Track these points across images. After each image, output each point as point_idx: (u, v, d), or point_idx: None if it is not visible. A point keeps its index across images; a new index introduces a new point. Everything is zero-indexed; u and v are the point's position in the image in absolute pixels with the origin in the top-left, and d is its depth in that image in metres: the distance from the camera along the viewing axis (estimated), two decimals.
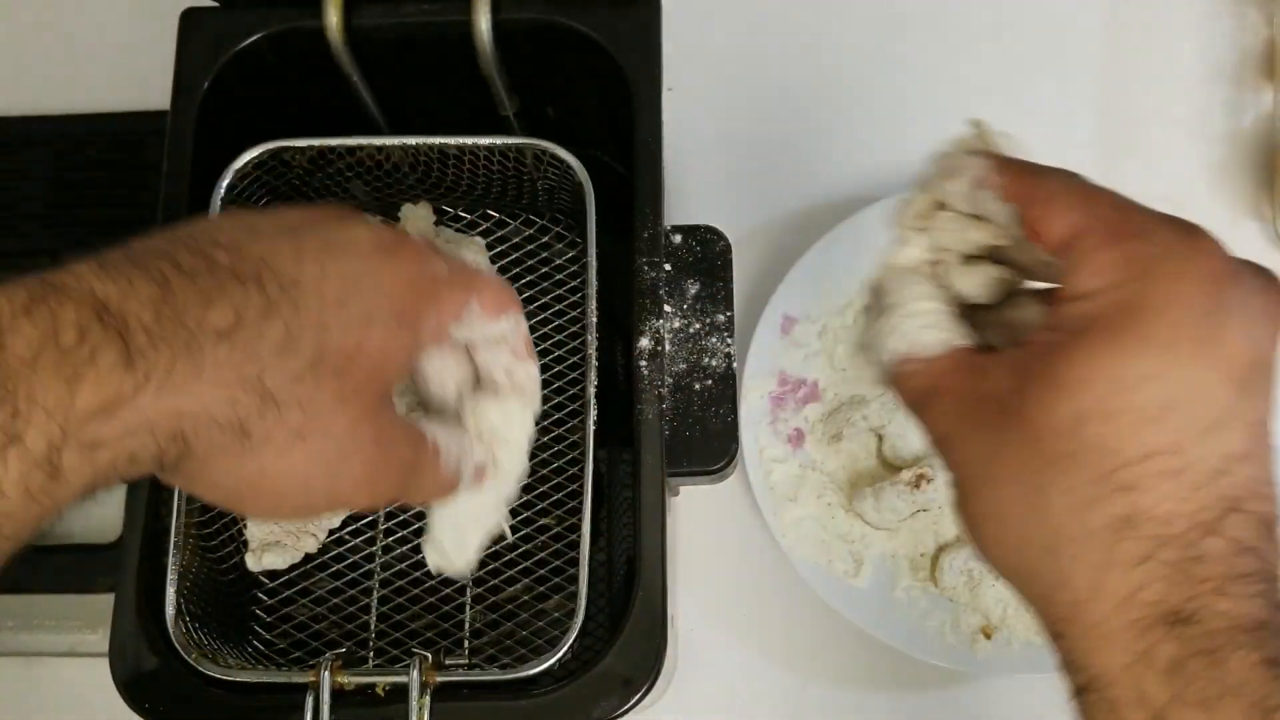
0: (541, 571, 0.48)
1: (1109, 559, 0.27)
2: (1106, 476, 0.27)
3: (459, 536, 0.39)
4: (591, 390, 0.43)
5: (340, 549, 0.49)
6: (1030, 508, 0.28)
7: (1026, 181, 0.32)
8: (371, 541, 0.49)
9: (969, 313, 0.34)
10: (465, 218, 0.54)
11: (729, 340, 0.45)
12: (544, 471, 0.49)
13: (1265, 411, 0.28)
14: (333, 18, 0.47)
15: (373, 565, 0.49)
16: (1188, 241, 0.28)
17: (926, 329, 0.33)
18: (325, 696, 0.39)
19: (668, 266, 0.45)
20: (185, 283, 0.29)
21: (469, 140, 0.47)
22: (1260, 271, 0.29)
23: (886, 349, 0.33)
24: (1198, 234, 0.28)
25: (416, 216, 0.52)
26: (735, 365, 0.45)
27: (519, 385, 0.38)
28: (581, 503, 0.42)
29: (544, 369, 0.50)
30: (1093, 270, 0.28)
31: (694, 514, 0.58)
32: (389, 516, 0.50)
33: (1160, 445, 0.27)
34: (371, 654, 0.47)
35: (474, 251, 0.51)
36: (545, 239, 0.53)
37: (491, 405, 0.37)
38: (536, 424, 0.39)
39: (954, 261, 0.34)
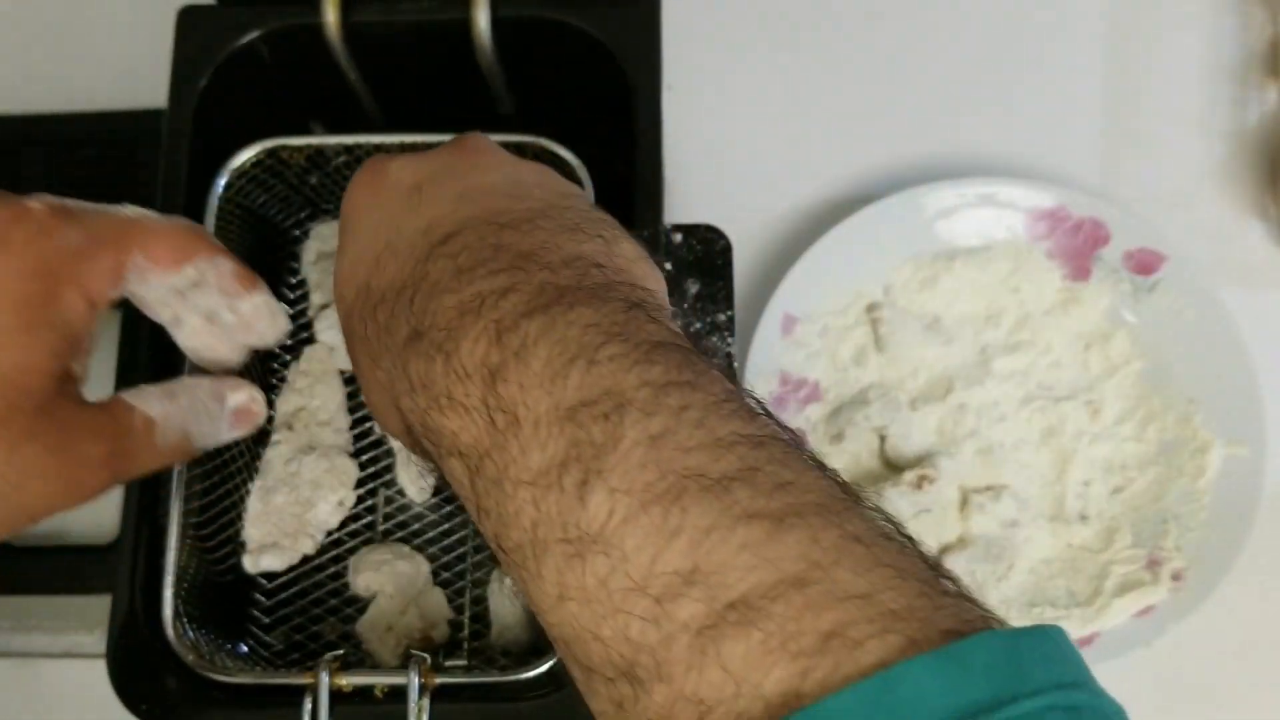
0: None
1: (382, 343, 0.31)
2: (364, 302, 0.32)
3: None
4: None
5: (338, 550, 0.49)
6: (368, 371, 0.32)
7: None
8: (370, 542, 0.49)
9: None
10: None
11: (730, 340, 0.45)
12: None
13: (470, 184, 0.32)
14: (330, 15, 0.47)
15: None
16: (361, 170, 0.35)
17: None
18: (323, 698, 0.39)
19: (668, 265, 0.45)
20: None
21: None
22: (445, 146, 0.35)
23: None
24: (368, 161, 0.35)
25: None
26: (736, 365, 0.45)
27: (249, 321, 0.38)
28: None
29: None
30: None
31: None
32: (387, 518, 0.49)
33: (376, 252, 0.32)
34: (370, 655, 0.47)
35: None
36: None
37: (215, 340, 0.38)
38: None
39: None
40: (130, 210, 0.35)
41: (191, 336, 0.38)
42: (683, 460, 0.24)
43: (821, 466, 0.26)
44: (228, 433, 0.39)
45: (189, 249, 0.35)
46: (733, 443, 0.24)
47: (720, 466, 0.24)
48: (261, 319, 0.39)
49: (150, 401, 0.35)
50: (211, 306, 0.37)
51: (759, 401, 0.27)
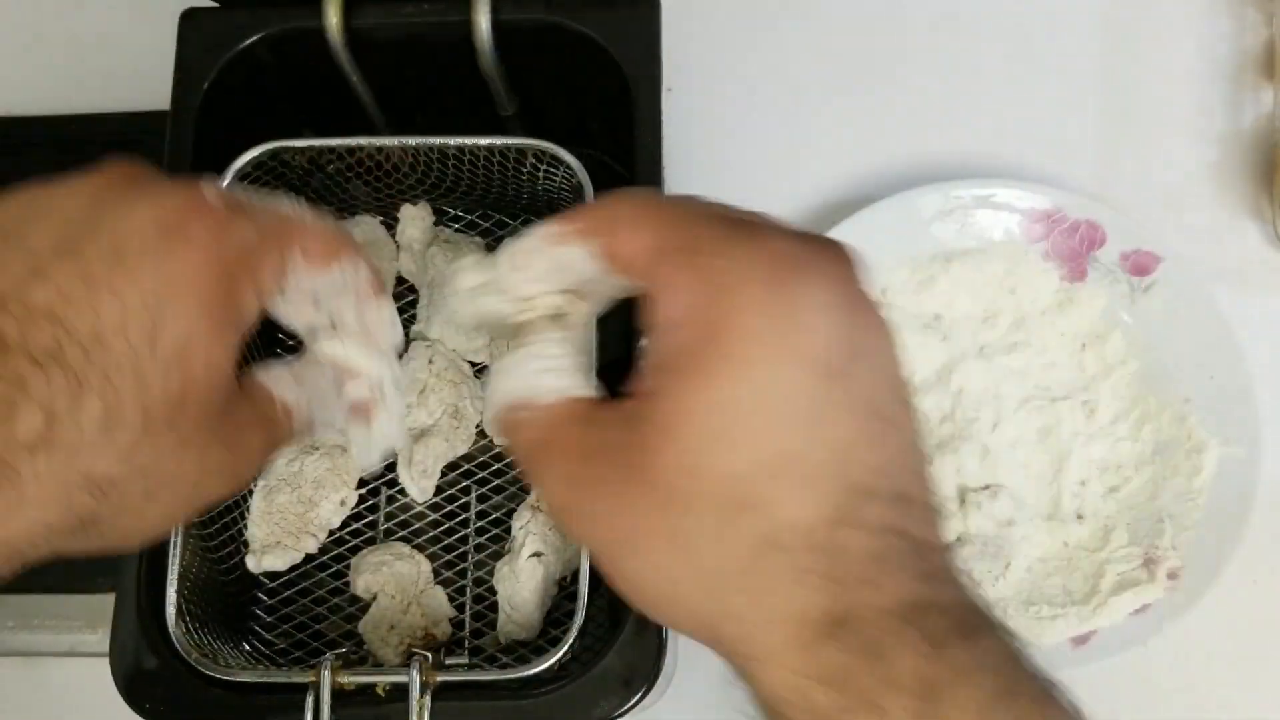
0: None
1: (763, 584, 0.26)
2: (733, 501, 0.26)
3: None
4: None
5: (340, 549, 0.49)
6: (681, 560, 0.27)
7: (592, 215, 0.30)
8: (372, 541, 0.49)
9: None
10: (465, 218, 0.54)
11: None
12: None
13: (876, 389, 0.27)
14: (333, 18, 0.48)
15: None
16: (747, 246, 0.27)
17: (546, 373, 0.30)
18: (325, 696, 0.40)
19: None
20: None
21: (469, 140, 0.47)
22: (826, 251, 0.28)
23: (499, 389, 0.31)
24: (757, 235, 0.28)
25: (416, 217, 0.52)
26: None
27: (370, 327, 0.36)
28: None
29: None
30: (672, 296, 0.28)
31: None
32: (389, 517, 0.50)
33: (771, 455, 0.26)
34: (372, 654, 0.47)
35: (471, 250, 0.51)
36: None
37: (348, 347, 0.36)
38: None
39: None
40: (287, 206, 0.34)
41: (326, 345, 0.37)
42: None
43: None
44: (343, 422, 0.37)
45: (338, 249, 0.34)
46: None
47: None
48: (384, 327, 0.37)
49: (285, 387, 0.34)
50: (340, 311, 0.36)
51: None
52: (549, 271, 0.31)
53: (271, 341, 0.51)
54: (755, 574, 0.26)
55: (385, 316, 0.37)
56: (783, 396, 0.26)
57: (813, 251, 0.28)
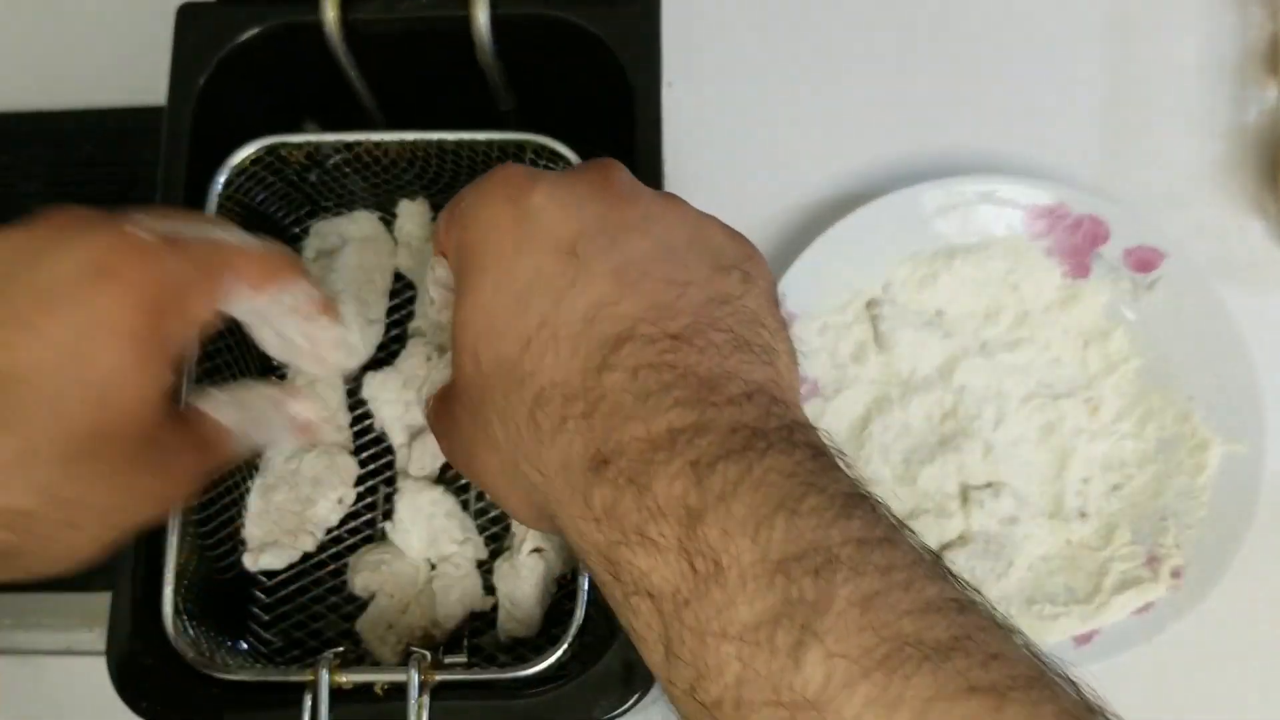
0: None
1: (538, 440, 0.29)
2: (511, 380, 0.29)
3: None
4: None
5: (338, 547, 0.49)
6: (490, 450, 0.31)
7: (434, 232, 0.37)
8: (370, 540, 0.49)
9: None
10: None
11: None
12: None
13: (640, 254, 0.30)
14: (330, 12, 0.47)
15: None
16: (479, 184, 0.32)
17: (445, 369, 0.35)
18: (323, 695, 0.39)
19: None
20: None
21: (467, 135, 0.47)
22: (574, 170, 0.32)
23: (421, 394, 0.38)
24: (491, 174, 0.32)
25: (414, 212, 0.52)
26: None
27: (320, 348, 0.38)
28: None
29: None
30: (449, 248, 0.33)
31: None
32: (387, 515, 0.49)
33: (530, 329, 0.29)
34: (370, 653, 0.47)
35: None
36: None
37: (301, 366, 0.39)
38: None
39: None
40: (225, 234, 0.36)
41: (270, 349, 0.39)
42: (897, 625, 0.23)
43: (1013, 630, 0.25)
44: (290, 441, 0.41)
45: (273, 272, 0.36)
46: (940, 607, 0.24)
47: (935, 634, 0.24)
48: (333, 349, 0.39)
49: (223, 410, 0.37)
50: (295, 330, 0.38)
51: (927, 548, 0.26)
52: (450, 296, 0.35)
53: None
54: (531, 438, 0.29)
55: (332, 336, 0.39)
56: (528, 280, 0.29)
57: (549, 175, 0.31)
